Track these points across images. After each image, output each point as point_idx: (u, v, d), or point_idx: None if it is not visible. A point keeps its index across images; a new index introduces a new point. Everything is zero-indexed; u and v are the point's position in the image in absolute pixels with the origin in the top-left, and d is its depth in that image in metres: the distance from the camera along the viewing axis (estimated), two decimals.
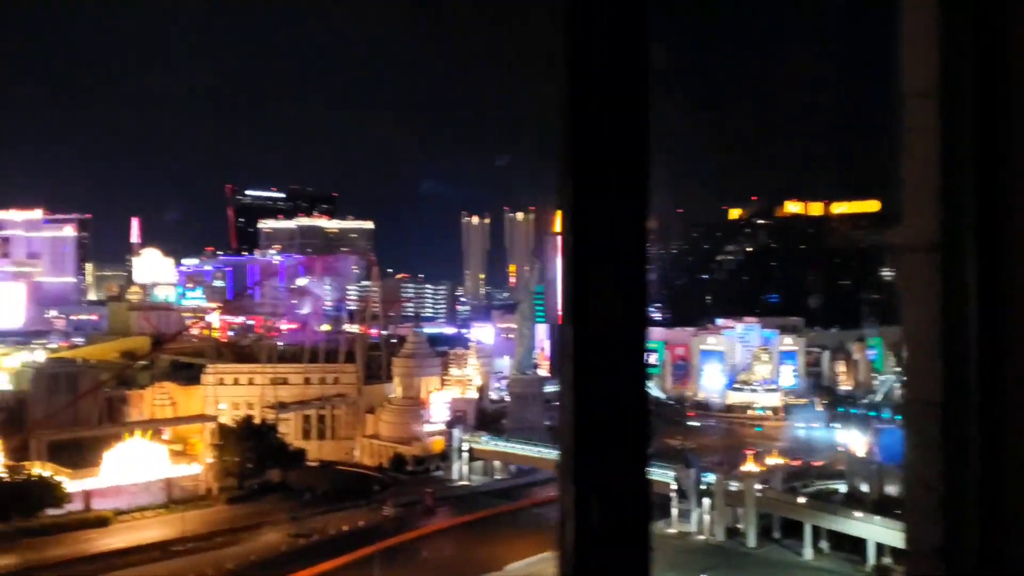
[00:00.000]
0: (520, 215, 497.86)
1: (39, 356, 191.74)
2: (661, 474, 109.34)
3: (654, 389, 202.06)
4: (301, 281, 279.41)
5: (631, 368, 3.96)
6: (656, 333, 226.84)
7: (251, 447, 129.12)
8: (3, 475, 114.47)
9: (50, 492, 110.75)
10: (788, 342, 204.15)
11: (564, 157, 3.88)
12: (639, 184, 3.97)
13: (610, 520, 3.89)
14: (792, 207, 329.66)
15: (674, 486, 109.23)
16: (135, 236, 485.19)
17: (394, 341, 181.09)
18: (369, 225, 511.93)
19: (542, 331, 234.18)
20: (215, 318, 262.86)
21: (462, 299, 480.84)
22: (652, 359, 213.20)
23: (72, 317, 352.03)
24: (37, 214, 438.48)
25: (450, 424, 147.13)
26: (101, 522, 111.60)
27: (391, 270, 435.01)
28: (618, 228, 3.91)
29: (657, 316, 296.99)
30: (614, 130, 3.92)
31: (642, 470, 4.02)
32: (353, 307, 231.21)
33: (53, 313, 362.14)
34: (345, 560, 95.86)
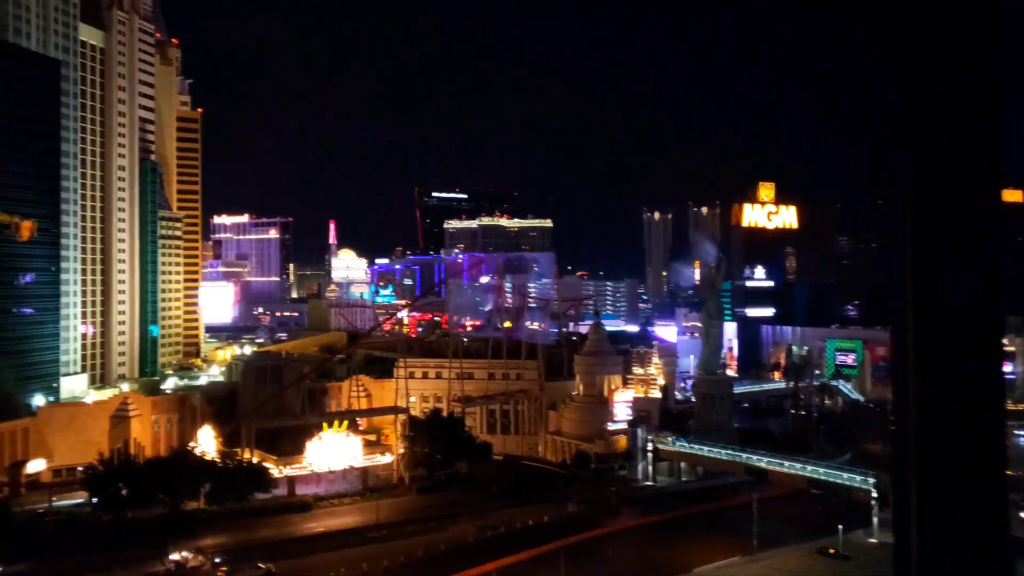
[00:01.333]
0: (705, 209, 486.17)
1: (247, 350, 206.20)
2: (861, 480, 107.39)
3: (853, 392, 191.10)
4: (484, 279, 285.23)
5: (985, 380, 3.04)
6: (854, 332, 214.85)
7: (440, 439, 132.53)
8: (218, 462, 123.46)
9: (259, 478, 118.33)
10: (1003, 342, 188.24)
11: (904, 143, 3.07)
12: (988, 166, 3.11)
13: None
14: (1008, 195, 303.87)
15: (875, 493, 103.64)
16: (332, 238, 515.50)
17: (575, 339, 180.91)
18: (548, 223, 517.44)
19: (730, 329, 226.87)
20: (405, 314, 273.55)
21: (644, 296, 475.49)
22: (850, 359, 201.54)
23: (277, 314, 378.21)
24: (244, 218, 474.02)
25: (633, 423, 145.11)
26: (303, 507, 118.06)
27: (571, 267, 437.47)
28: (967, 216, 3.13)
29: (854, 314, 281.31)
30: (960, 106, 3.11)
31: (1001, 514, 3.05)
32: (534, 304, 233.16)
33: (260, 310, 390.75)
34: (532, 554, 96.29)
